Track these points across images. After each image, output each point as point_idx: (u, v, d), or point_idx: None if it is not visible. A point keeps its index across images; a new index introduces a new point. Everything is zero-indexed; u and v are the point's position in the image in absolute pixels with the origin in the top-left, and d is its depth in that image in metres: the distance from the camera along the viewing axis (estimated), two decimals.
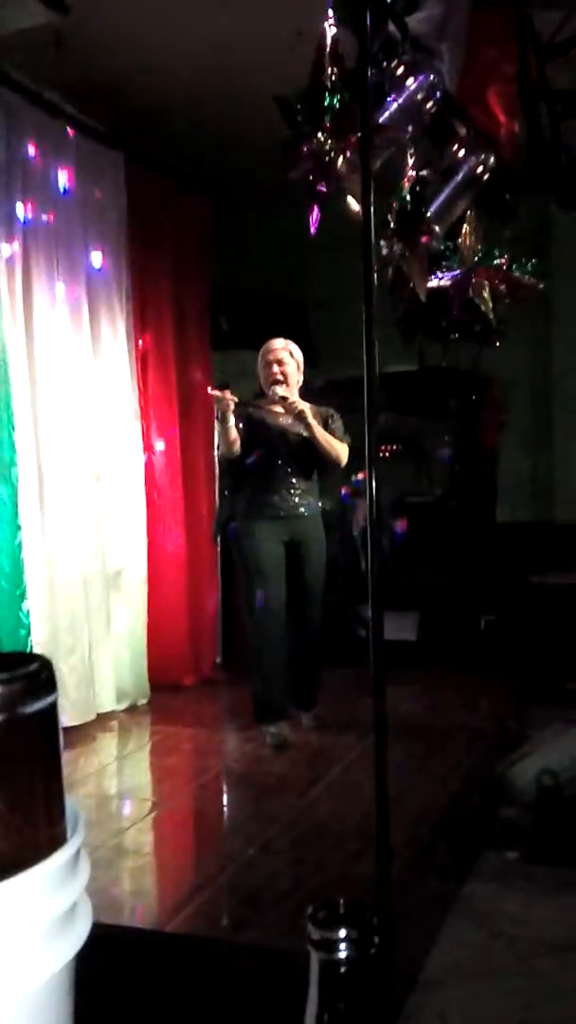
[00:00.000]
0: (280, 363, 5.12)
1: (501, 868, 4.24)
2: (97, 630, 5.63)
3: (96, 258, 5.76)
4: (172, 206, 6.42)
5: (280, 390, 5.05)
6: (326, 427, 5.10)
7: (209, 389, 5.11)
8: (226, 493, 5.29)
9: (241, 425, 5.02)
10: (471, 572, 7.30)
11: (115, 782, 4.66)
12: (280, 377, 5.09)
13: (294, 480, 5.09)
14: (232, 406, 4.93)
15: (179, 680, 6.26)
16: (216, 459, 5.41)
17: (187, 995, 2.55)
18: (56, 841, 0.88)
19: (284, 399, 5.02)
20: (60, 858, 0.86)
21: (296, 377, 5.17)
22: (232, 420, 4.94)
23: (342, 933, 0.82)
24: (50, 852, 0.86)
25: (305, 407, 5.01)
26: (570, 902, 3.86)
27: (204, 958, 2.73)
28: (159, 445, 6.28)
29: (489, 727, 5.31)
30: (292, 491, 5.09)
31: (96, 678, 5.59)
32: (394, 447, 7.45)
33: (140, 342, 6.17)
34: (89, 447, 5.65)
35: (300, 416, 4.99)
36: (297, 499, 5.09)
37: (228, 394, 4.96)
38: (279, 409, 5.12)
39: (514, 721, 5.76)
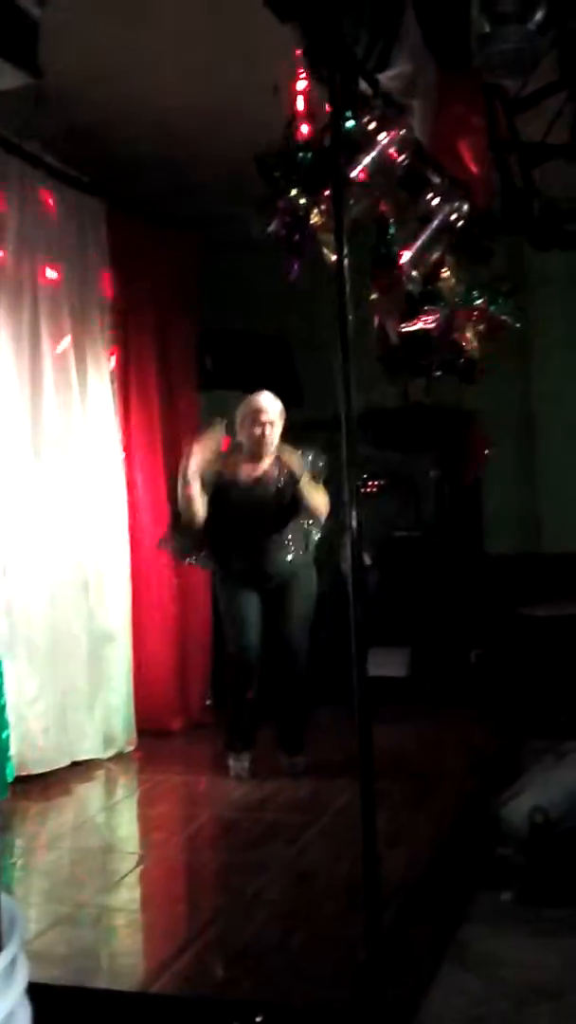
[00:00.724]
0: (272, 424, 5.06)
1: (496, 910, 4.22)
2: (76, 676, 5.61)
3: (79, 303, 5.79)
4: (156, 250, 6.46)
5: (269, 447, 5.02)
6: (308, 465, 5.06)
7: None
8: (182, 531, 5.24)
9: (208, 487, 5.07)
10: (460, 606, 7.31)
11: (101, 834, 4.64)
12: (266, 440, 5.05)
13: (271, 539, 5.05)
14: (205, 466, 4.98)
15: (167, 725, 6.23)
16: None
17: None
18: None
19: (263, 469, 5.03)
20: None
21: (278, 437, 5.13)
22: (198, 485, 4.99)
23: None
24: None
25: (294, 461, 4.98)
26: (564, 944, 3.84)
27: (192, 1020, 2.71)
28: (144, 487, 6.29)
29: (482, 763, 5.30)
30: (269, 551, 5.06)
31: (74, 725, 5.55)
32: (380, 482, 7.49)
33: (124, 385, 6.19)
34: (70, 489, 5.66)
35: (292, 479, 4.97)
36: (276, 555, 5.07)
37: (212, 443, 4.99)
38: (251, 472, 5.11)
39: (508, 756, 5.76)
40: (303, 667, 5.16)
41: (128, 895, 3.85)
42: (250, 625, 5.08)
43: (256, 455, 5.07)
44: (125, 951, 3.41)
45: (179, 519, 5.20)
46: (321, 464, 5.12)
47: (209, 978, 3.02)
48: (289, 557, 5.06)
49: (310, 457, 5.12)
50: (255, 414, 5.05)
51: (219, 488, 5.09)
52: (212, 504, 5.08)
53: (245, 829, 4.43)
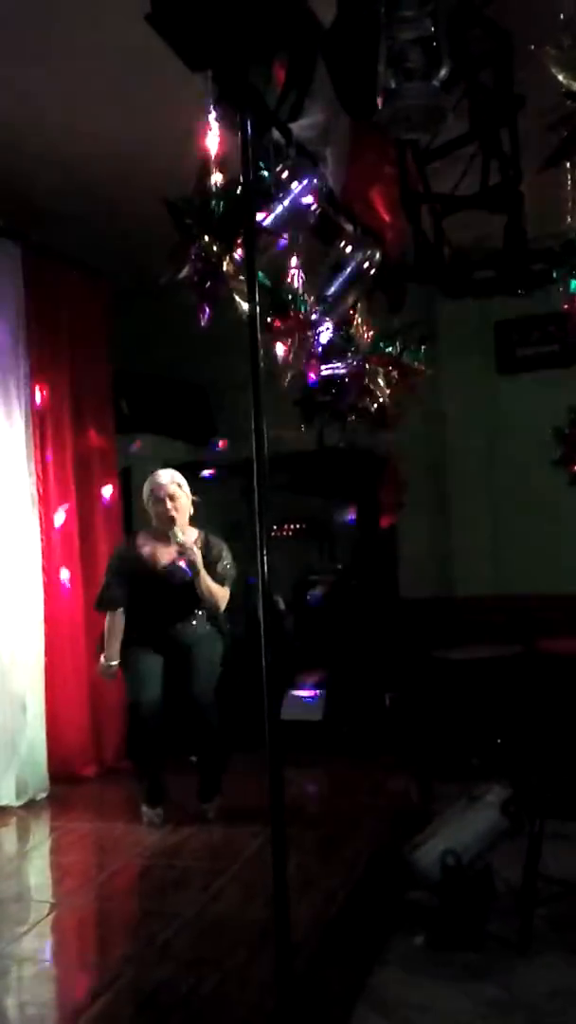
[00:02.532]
0: (172, 498, 5.16)
1: (408, 954, 4.22)
2: None
3: None
4: (71, 294, 6.48)
5: (178, 535, 5.08)
6: (216, 561, 5.17)
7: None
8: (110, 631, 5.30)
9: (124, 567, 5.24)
10: (375, 649, 7.35)
11: (11, 883, 4.55)
12: (174, 514, 5.13)
13: (180, 614, 5.19)
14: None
15: (81, 771, 6.16)
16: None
17: None
18: None
19: (181, 545, 5.06)
20: None
21: (187, 508, 5.22)
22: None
23: None
24: None
25: (197, 556, 5.06)
26: (474, 988, 3.86)
27: None
28: (58, 531, 6.24)
29: (395, 807, 5.31)
30: (178, 624, 5.20)
31: None
32: (296, 526, 7.53)
33: (39, 428, 6.15)
34: None
35: (191, 565, 5.05)
36: (182, 627, 5.21)
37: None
38: (165, 550, 5.19)
39: (420, 800, 5.78)
40: (213, 721, 5.21)
41: (39, 944, 3.79)
42: (150, 681, 5.15)
43: (164, 531, 5.16)
44: (35, 1000, 3.35)
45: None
46: (227, 564, 5.24)
47: None
48: (195, 629, 5.22)
49: (221, 551, 5.26)
50: (155, 490, 5.18)
51: (133, 574, 5.23)
52: (127, 587, 5.23)
53: (157, 876, 4.39)
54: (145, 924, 3.82)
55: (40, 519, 6.08)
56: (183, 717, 5.17)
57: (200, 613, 5.22)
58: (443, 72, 3.08)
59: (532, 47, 3.36)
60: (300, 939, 3.22)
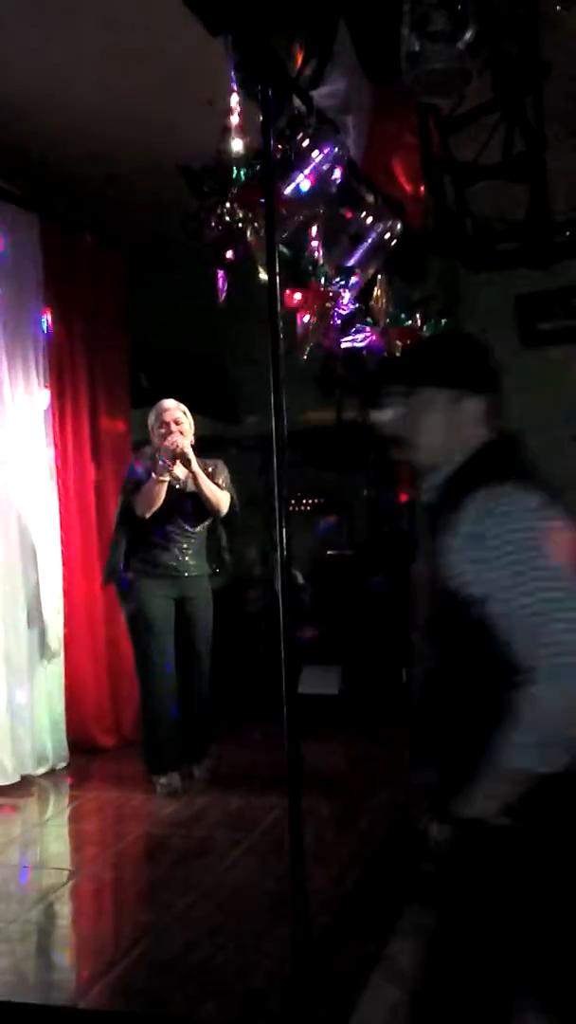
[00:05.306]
0: (177, 422, 5.24)
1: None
2: (9, 694, 5.55)
3: (10, 316, 5.76)
4: (89, 265, 6.45)
5: (178, 438, 5.15)
6: (216, 475, 5.29)
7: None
8: (118, 541, 5.31)
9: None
10: (392, 624, 7.33)
11: (31, 851, 4.60)
12: (179, 435, 5.19)
13: (185, 538, 5.27)
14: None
15: (99, 742, 6.18)
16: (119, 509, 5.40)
17: None
18: None
19: (175, 443, 5.13)
20: None
21: (190, 435, 5.29)
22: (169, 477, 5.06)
23: None
24: None
25: (186, 446, 5.14)
26: None
27: None
28: (76, 502, 6.24)
29: (411, 780, 5.30)
30: (184, 549, 5.27)
31: (4, 742, 5.48)
32: (313, 501, 7.52)
33: (57, 399, 6.15)
34: (1, 505, 5.62)
35: (182, 456, 5.11)
36: (187, 558, 5.28)
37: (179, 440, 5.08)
38: (174, 469, 5.22)
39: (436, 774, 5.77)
40: (208, 680, 5.33)
41: (57, 910, 3.81)
42: (165, 634, 5.21)
43: (173, 441, 5.20)
44: (54, 966, 3.38)
45: (122, 524, 5.30)
46: (227, 480, 5.36)
47: (138, 994, 2.99)
48: (195, 563, 5.30)
49: (220, 466, 5.40)
50: (160, 414, 5.28)
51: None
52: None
53: (175, 846, 4.42)
54: (162, 893, 3.84)
55: (58, 490, 6.08)
56: (179, 666, 5.24)
57: (198, 542, 5.32)
58: (468, 35, 3.04)
59: (558, 8, 3.32)
60: (316, 909, 3.22)
